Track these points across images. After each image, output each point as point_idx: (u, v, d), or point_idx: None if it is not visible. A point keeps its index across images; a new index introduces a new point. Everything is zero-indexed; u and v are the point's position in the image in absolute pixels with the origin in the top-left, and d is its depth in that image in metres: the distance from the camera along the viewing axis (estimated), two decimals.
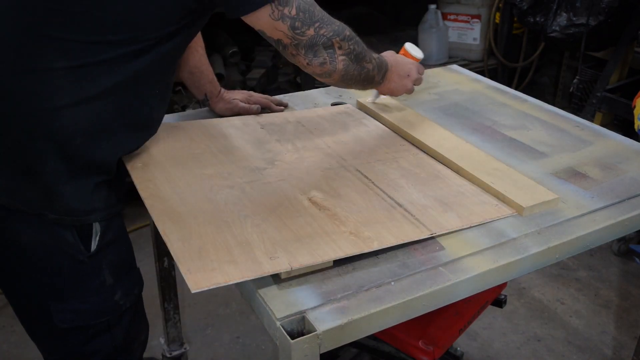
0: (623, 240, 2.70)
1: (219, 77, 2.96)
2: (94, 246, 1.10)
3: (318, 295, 0.90)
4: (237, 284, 0.91)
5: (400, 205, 1.12)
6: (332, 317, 0.86)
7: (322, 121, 1.50)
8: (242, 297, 0.97)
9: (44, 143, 1.03)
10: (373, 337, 1.41)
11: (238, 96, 1.53)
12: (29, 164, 1.04)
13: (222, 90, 1.53)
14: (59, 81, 1.01)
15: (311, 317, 0.85)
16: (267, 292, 0.90)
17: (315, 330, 0.83)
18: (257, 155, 1.30)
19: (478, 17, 3.54)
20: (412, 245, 1.01)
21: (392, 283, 0.93)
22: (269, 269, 0.91)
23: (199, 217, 1.05)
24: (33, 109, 1.02)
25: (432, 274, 0.95)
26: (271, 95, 1.63)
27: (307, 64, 1.13)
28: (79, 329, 1.14)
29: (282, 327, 0.84)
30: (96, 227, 1.10)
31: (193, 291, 0.86)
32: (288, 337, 0.82)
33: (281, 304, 0.88)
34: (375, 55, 1.28)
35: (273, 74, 4.02)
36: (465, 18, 3.55)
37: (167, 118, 1.42)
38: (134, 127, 1.15)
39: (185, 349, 1.92)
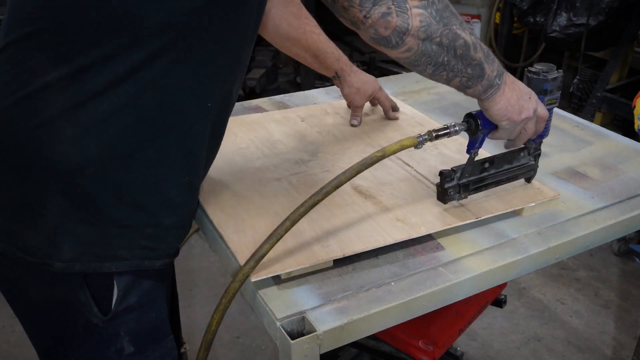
0: (623, 240, 2.70)
1: None
2: (112, 307, 0.90)
3: (318, 295, 0.90)
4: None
5: None
6: (332, 317, 0.85)
7: None
8: (242, 297, 0.97)
9: (44, 174, 0.84)
10: (373, 337, 1.41)
11: (366, 90, 1.42)
12: (28, 201, 0.85)
13: (354, 69, 1.41)
14: (54, 95, 0.81)
15: (311, 317, 0.85)
16: (267, 292, 0.90)
17: (315, 331, 0.83)
18: (300, 147, 1.33)
19: (478, 17, 3.54)
20: (413, 246, 1.01)
21: (392, 283, 0.93)
22: (323, 256, 0.94)
23: (250, 209, 1.08)
24: (28, 131, 0.83)
25: (432, 274, 0.95)
26: (271, 95, 1.63)
27: (365, 16, 0.82)
28: None
29: (282, 327, 0.84)
30: (117, 285, 0.89)
31: (253, 280, 0.89)
32: (288, 337, 0.82)
33: (281, 304, 0.88)
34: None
35: (273, 73, 4.02)
36: (465, 18, 3.56)
37: None
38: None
39: (185, 348, 1.92)
